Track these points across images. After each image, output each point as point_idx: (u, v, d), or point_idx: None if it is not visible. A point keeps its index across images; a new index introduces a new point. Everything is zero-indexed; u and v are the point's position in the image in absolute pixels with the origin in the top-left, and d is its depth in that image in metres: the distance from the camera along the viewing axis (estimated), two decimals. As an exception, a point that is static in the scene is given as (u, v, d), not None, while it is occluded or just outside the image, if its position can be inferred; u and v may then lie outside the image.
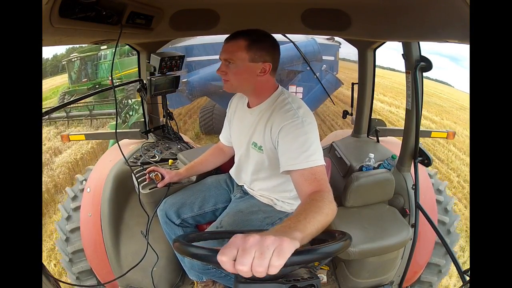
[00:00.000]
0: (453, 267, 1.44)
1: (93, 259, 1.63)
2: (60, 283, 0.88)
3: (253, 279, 0.65)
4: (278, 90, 1.10)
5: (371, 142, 2.03)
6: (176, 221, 1.28)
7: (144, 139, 2.00)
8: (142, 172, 1.47)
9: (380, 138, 2.01)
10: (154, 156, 1.69)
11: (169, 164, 1.62)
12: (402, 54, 1.42)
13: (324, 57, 6.54)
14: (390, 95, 13.90)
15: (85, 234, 1.64)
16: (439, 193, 1.82)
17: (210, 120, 7.49)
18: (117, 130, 1.37)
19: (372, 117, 2.07)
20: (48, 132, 8.39)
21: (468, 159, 7.47)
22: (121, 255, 1.56)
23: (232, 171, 1.35)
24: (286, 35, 1.92)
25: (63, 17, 0.72)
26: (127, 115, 7.46)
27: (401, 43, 1.39)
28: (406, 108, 1.51)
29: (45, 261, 3.64)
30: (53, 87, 13.91)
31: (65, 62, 11.32)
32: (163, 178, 1.34)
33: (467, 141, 8.51)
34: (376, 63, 1.93)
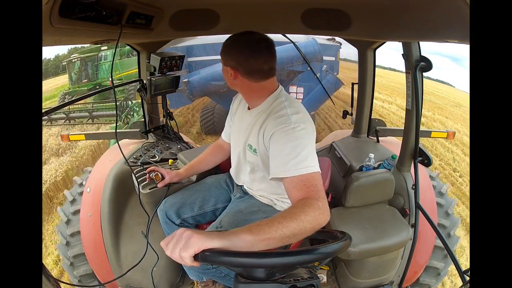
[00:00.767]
0: (452, 267, 1.44)
1: (93, 259, 1.63)
2: (60, 283, 0.88)
3: (253, 279, 0.65)
4: (276, 92, 1.08)
5: (371, 142, 2.03)
6: (176, 221, 1.28)
7: (144, 139, 2.00)
8: (142, 172, 1.47)
9: (380, 138, 2.01)
10: (154, 156, 1.69)
11: (169, 164, 1.63)
12: (402, 54, 1.42)
13: (324, 58, 6.54)
14: (385, 93, 14.09)
15: (85, 234, 1.64)
16: (440, 196, 1.81)
17: (211, 120, 7.50)
18: (117, 130, 1.37)
19: (372, 117, 2.07)
20: (48, 134, 8.41)
21: (457, 150, 7.55)
22: (121, 255, 1.56)
23: (231, 171, 1.35)
24: (286, 35, 1.92)
25: (63, 17, 0.72)
26: (128, 116, 7.48)
27: (401, 43, 1.39)
28: (406, 108, 1.50)
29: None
30: (58, 86, 14.05)
31: (65, 63, 11.33)
32: (163, 178, 1.35)
33: (464, 138, 8.87)
34: (376, 63, 1.93)
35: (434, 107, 12.57)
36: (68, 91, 10.73)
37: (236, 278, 0.67)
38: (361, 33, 1.41)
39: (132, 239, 1.56)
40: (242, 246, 0.67)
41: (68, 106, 8.82)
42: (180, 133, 2.08)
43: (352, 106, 2.10)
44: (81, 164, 6.65)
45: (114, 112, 8.59)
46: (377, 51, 1.89)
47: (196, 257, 0.63)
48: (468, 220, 4.84)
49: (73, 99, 1.79)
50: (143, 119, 2.06)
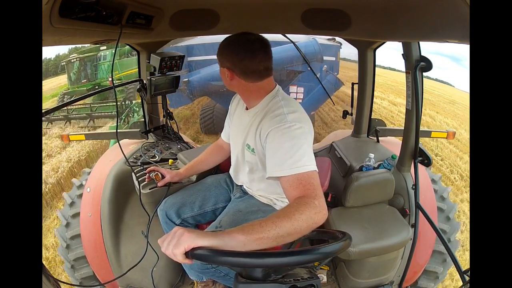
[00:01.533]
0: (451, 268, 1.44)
1: (93, 260, 1.63)
2: (60, 283, 0.88)
3: (253, 279, 0.65)
4: (272, 92, 1.07)
5: (371, 142, 2.02)
6: (176, 221, 1.28)
7: (144, 139, 2.00)
8: (142, 172, 1.47)
9: (380, 138, 2.01)
10: (154, 156, 1.69)
11: (169, 164, 1.63)
12: (402, 54, 1.42)
13: (324, 58, 6.54)
14: (379, 90, 14.35)
15: (85, 234, 1.64)
16: (442, 200, 1.79)
17: (210, 119, 7.50)
18: (117, 130, 1.37)
19: (372, 117, 2.07)
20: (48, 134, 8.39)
21: (447, 144, 7.71)
22: (121, 255, 1.56)
23: (231, 171, 1.35)
24: (287, 35, 1.92)
25: (63, 17, 0.72)
26: (128, 116, 7.47)
27: (401, 43, 1.39)
28: (406, 108, 1.50)
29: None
30: (61, 84, 14.07)
31: (64, 63, 11.30)
32: (163, 178, 1.35)
33: (446, 127, 9.29)
34: (376, 63, 1.92)
35: (426, 103, 12.84)
36: (67, 91, 10.71)
37: (236, 278, 0.67)
38: (361, 33, 1.41)
39: (132, 239, 1.56)
40: (233, 245, 0.67)
41: (67, 107, 8.80)
42: (180, 133, 2.08)
43: (352, 106, 2.10)
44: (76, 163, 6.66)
45: (114, 112, 8.58)
46: (377, 51, 1.89)
47: (188, 254, 0.66)
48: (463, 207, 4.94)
49: (72, 99, 1.78)
50: (143, 119, 2.06)
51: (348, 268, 1.53)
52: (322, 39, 6.46)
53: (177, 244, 0.66)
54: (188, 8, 1.35)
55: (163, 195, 1.34)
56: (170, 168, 1.54)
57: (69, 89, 10.76)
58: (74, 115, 9.23)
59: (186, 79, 6.60)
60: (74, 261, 1.69)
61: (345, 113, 2.15)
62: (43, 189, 5.25)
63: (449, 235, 1.72)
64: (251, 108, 1.11)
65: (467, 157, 7.33)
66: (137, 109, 7.49)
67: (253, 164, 1.15)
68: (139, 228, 1.51)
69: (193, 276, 1.34)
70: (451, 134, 2.45)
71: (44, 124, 8.57)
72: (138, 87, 1.84)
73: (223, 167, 1.50)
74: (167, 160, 1.66)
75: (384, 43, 1.80)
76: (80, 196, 1.76)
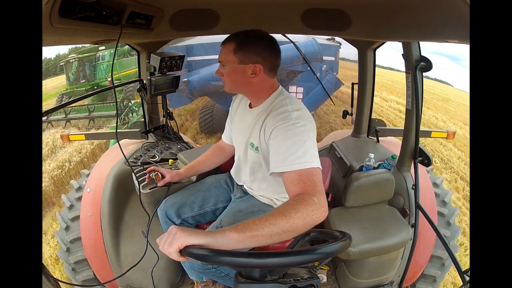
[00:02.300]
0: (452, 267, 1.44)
1: (93, 260, 1.63)
2: (60, 283, 0.88)
3: (253, 279, 0.65)
4: (277, 91, 1.08)
5: (371, 142, 2.03)
6: (176, 221, 1.28)
7: (144, 139, 2.00)
8: (142, 172, 1.47)
9: (380, 138, 2.01)
10: (154, 156, 1.69)
11: (169, 164, 1.62)
12: (402, 54, 1.42)
13: (324, 58, 6.55)
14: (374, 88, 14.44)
15: (85, 234, 1.64)
16: (443, 205, 1.79)
17: (210, 118, 7.50)
18: (117, 130, 1.37)
19: (372, 117, 2.07)
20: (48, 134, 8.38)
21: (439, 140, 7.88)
22: (121, 255, 1.56)
23: (232, 171, 1.35)
24: (286, 35, 1.91)
25: (63, 17, 0.72)
26: (128, 116, 7.47)
27: (401, 43, 1.39)
28: (406, 108, 1.51)
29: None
30: (63, 83, 14.05)
31: (63, 63, 11.27)
32: (163, 178, 1.35)
33: (439, 123, 9.50)
34: (376, 63, 1.92)
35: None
36: (66, 91, 10.68)
37: (236, 278, 0.67)
38: (361, 33, 1.41)
39: (132, 239, 1.56)
40: (226, 243, 0.67)
41: (66, 107, 8.78)
42: (180, 133, 2.08)
43: (352, 106, 2.10)
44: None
45: (113, 112, 8.57)
46: (377, 51, 1.89)
47: (182, 252, 0.67)
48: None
49: (72, 99, 1.78)
50: (143, 119, 2.06)
51: (348, 268, 1.53)
52: (321, 39, 6.47)
53: (171, 242, 0.67)
54: (188, 8, 1.35)
55: (163, 195, 1.33)
56: (170, 168, 1.54)
57: (67, 89, 10.74)
58: (73, 116, 9.21)
59: (186, 79, 6.60)
60: (74, 264, 1.68)
61: (345, 113, 2.15)
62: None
63: (449, 240, 1.71)
64: (256, 106, 1.12)
65: (452, 147, 7.65)
66: (136, 108, 7.48)
67: (255, 164, 1.15)
68: (139, 228, 1.51)
69: (193, 276, 1.34)
70: (451, 134, 2.45)
71: (44, 125, 8.56)
72: (138, 87, 1.84)
73: (223, 167, 1.50)
74: (167, 160, 1.66)
75: (384, 43, 1.80)
76: (79, 198, 1.76)
